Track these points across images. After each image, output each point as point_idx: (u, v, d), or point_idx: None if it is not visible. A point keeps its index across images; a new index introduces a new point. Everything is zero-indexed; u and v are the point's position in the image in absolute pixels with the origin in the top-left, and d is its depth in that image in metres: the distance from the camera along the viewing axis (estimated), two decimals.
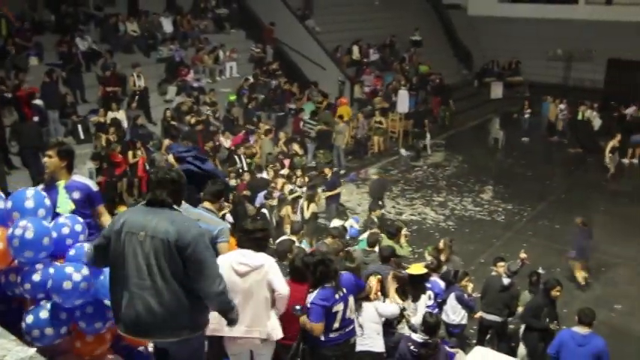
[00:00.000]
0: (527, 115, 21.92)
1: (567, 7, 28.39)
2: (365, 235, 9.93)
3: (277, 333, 4.94)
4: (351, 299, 5.40)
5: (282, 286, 4.86)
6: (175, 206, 3.99)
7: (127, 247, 3.83)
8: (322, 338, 5.26)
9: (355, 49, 23.36)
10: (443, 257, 9.16)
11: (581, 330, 6.86)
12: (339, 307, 5.24)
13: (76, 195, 4.96)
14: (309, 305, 5.21)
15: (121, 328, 3.99)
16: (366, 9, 26.62)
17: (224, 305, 4.05)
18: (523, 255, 8.91)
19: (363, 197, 15.75)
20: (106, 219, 5.10)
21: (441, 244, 9.62)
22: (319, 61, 21.37)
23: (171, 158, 7.20)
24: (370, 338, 6.12)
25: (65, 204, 4.84)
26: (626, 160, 19.30)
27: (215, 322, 4.45)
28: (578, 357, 6.78)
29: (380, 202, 13.82)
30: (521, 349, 8.69)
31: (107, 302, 4.17)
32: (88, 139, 14.51)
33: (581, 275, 11.52)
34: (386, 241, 9.54)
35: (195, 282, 3.84)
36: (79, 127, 14.51)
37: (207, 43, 19.58)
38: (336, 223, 11.30)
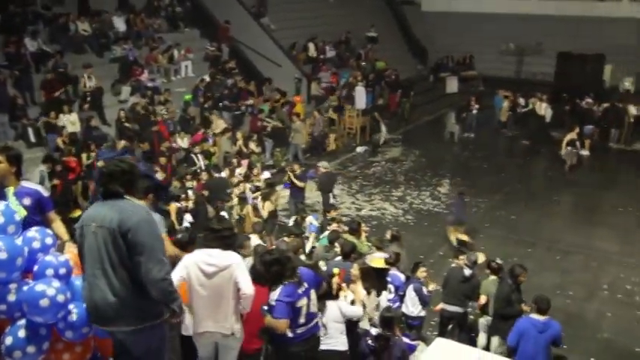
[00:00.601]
0: (474, 111, 22.28)
1: (518, 2, 28.96)
2: (326, 233, 9.95)
3: (241, 333, 5.05)
4: (313, 293, 5.41)
5: (248, 286, 4.88)
6: (128, 196, 4.06)
7: (85, 239, 4.00)
8: (290, 335, 5.26)
9: (311, 46, 23.39)
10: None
11: (540, 317, 7.05)
12: (303, 301, 5.25)
13: (27, 201, 4.84)
14: (272, 303, 5.21)
15: (89, 318, 4.08)
16: (320, 6, 26.67)
17: (165, 294, 4.04)
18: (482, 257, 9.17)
19: (454, 235, 15.67)
20: (57, 225, 5.02)
21: (388, 235, 9.83)
22: (275, 58, 21.33)
23: (101, 164, 7.14)
24: (333, 338, 6.14)
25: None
26: (584, 152, 19.80)
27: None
28: (538, 343, 6.99)
29: (332, 196, 14.01)
30: (481, 340, 8.86)
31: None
32: (40, 142, 14.14)
33: (454, 237, 12.54)
34: (347, 238, 9.63)
35: (137, 267, 3.91)
36: (30, 130, 14.12)
37: (162, 42, 19.32)
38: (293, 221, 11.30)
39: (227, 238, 4.99)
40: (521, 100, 22.61)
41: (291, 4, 25.61)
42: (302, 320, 5.27)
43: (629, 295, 11.18)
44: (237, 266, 4.89)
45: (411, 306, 8.56)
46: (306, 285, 5.30)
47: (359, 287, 6.78)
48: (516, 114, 22.47)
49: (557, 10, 28.16)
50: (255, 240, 9.00)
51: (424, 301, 8.58)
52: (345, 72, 23.30)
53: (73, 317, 4.10)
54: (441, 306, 9.02)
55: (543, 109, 21.73)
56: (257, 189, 13.31)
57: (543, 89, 23.28)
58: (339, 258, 8.11)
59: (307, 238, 10.14)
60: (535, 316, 7.13)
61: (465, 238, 12.37)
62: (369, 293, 7.23)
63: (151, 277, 3.90)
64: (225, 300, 4.88)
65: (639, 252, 12.92)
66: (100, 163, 7.15)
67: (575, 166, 18.34)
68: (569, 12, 27.91)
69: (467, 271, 8.72)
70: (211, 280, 4.84)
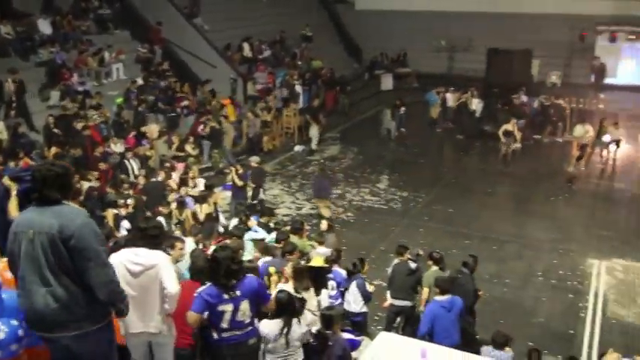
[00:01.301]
0: (401, 112, 22.62)
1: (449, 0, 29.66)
2: (273, 235, 9.90)
3: (171, 330, 5.05)
4: (245, 304, 5.31)
5: (172, 285, 4.87)
6: (65, 201, 3.98)
7: (21, 246, 3.88)
8: (215, 337, 5.24)
9: (246, 46, 23.20)
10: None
11: (444, 297, 7.62)
12: (227, 307, 5.16)
13: None
14: (195, 294, 5.19)
15: (30, 326, 4.01)
16: (254, 6, 26.50)
17: (113, 295, 4.06)
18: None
19: (324, 211, 15.62)
20: None
21: (324, 225, 10.01)
22: (210, 59, 21.06)
23: (6, 180, 6.87)
24: (295, 355, 6.09)
25: None
26: (516, 145, 20.39)
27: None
28: (448, 320, 7.56)
29: (262, 190, 14.22)
30: None
31: None
32: None
33: (326, 212, 13.63)
34: (291, 238, 9.62)
35: (83, 272, 3.87)
36: None
37: (91, 45, 18.74)
38: (236, 222, 11.17)
39: (154, 238, 4.98)
40: (450, 96, 23.06)
41: (224, 5, 25.35)
42: (224, 325, 5.20)
43: (562, 280, 11.61)
44: (163, 265, 4.87)
45: (353, 302, 8.60)
46: (237, 293, 5.23)
47: (288, 286, 6.81)
48: (449, 109, 22.93)
49: (486, 7, 28.95)
50: (190, 244, 8.85)
51: (367, 297, 8.65)
52: (280, 71, 23.25)
53: (1, 336, 3.95)
54: (389, 301, 9.10)
55: (475, 104, 22.28)
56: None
57: (474, 84, 23.86)
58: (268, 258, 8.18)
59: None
60: (440, 298, 7.65)
61: (326, 213, 13.54)
62: (306, 290, 7.20)
63: (99, 280, 3.90)
64: (152, 299, 4.86)
65: (570, 239, 13.47)
66: (5, 180, 6.82)
67: (509, 158, 18.90)
68: (497, 9, 28.72)
69: (412, 265, 8.85)
70: (138, 279, 4.82)
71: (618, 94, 23.96)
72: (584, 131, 18.92)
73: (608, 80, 26.13)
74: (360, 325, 8.80)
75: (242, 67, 22.28)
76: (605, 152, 18.96)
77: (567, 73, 27.13)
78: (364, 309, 8.74)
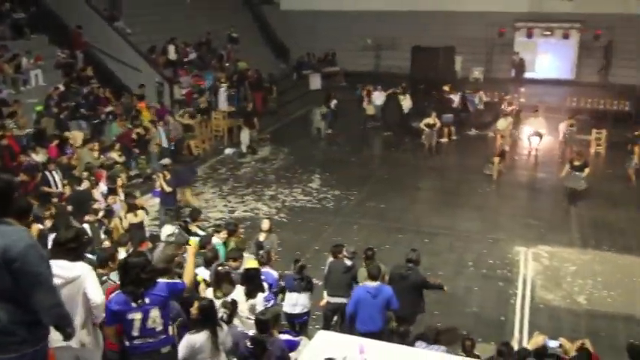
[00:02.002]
0: (333, 105, 22.80)
1: None
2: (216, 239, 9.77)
3: (98, 341, 4.99)
4: (155, 312, 5.21)
5: (96, 295, 4.81)
6: (7, 219, 3.75)
7: None
8: (127, 344, 5.19)
9: (171, 48, 22.75)
10: (262, 238, 9.74)
11: (372, 284, 7.89)
12: (136, 315, 5.09)
13: None
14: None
15: None
16: (178, 7, 26.02)
17: (60, 319, 3.95)
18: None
19: (192, 200, 15.45)
20: None
21: (265, 225, 10.12)
22: (134, 63, 20.56)
23: None
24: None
25: None
26: (444, 139, 20.94)
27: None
28: (373, 306, 7.85)
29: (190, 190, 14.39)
30: None
31: None
32: None
33: (193, 200, 14.29)
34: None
35: (28, 296, 3.70)
36: None
37: (6, 51, 17.90)
38: (167, 229, 10.89)
39: (73, 250, 4.87)
40: (377, 94, 23.36)
41: (146, 7, 24.76)
42: (135, 333, 5.13)
43: (492, 269, 11.95)
44: (85, 276, 4.79)
45: (299, 304, 8.65)
46: (147, 301, 5.12)
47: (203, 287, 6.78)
48: (377, 107, 23.22)
49: (409, 6, 29.56)
50: (122, 253, 8.59)
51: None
52: (208, 74, 22.94)
53: None
54: (325, 300, 9.11)
55: (402, 100, 22.65)
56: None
57: (401, 81, 24.27)
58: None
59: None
60: (368, 284, 7.93)
61: (191, 200, 14.37)
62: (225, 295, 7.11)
63: (45, 304, 3.75)
64: (74, 313, 4.73)
65: (498, 229, 13.89)
66: None
67: (432, 150, 19.34)
68: (420, 7, 29.42)
69: (348, 262, 8.89)
70: (60, 292, 4.62)
71: (537, 87, 24.93)
72: (506, 124, 19.67)
73: (527, 74, 27.17)
74: (301, 325, 8.81)
75: (167, 70, 21.83)
76: (527, 143, 19.73)
77: (489, 69, 28.09)
78: (306, 309, 8.76)
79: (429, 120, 19.45)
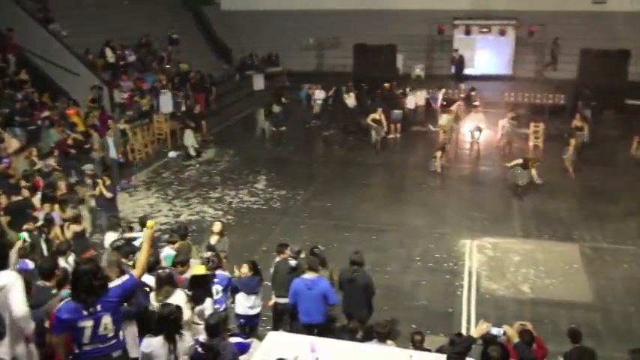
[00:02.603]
0: (284, 102, 22.82)
1: None
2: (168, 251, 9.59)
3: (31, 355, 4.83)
4: (106, 318, 5.09)
5: (18, 307, 4.66)
6: None
7: None
8: (76, 351, 5.05)
9: (108, 51, 22.16)
10: (213, 241, 9.64)
11: (309, 276, 8.08)
12: (87, 323, 4.95)
13: None
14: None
15: None
16: (114, 9, 25.39)
17: None
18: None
19: (137, 205, 15.16)
20: None
21: (217, 227, 10.06)
22: (71, 67, 19.95)
23: None
24: None
25: None
26: (392, 135, 21.17)
27: None
28: (309, 298, 8.06)
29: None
30: None
31: None
32: None
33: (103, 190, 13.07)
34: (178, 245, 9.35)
35: None
36: None
37: None
38: (110, 236, 10.61)
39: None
40: (318, 92, 23.42)
41: (82, 9, 24.04)
42: (86, 341, 5.00)
43: (439, 263, 12.14)
44: (11, 286, 4.64)
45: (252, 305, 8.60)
46: (98, 308, 4.99)
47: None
48: (322, 105, 23.29)
49: (350, 5, 29.79)
50: (61, 262, 8.33)
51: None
52: (148, 76, 22.50)
53: None
54: (274, 300, 9.07)
55: (347, 98, 22.80)
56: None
57: (344, 80, 24.42)
58: None
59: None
60: (305, 276, 8.13)
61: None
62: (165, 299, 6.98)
63: None
64: (5, 322, 4.61)
65: (443, 223, 14.13)
66: None
67: (378, 146, 19.52)
68: (361, 6, 29.69)
69: (292, 262, 8.86)
70: None
71: (476, 83, 25.49)
72: (448, 120, 20.08)
73: (467, 71, 27.75)
74: (252, 327, 8.76)
75: (106, 73, 21.29)
76: (469, 137, 20.20)
77: (430, 66, 28.54)
78: (257, 310, 8.72)
79: (375, 115, 19.66)
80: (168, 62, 24.43)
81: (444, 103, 22.89)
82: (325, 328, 8.41)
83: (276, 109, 22.91)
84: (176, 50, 25.75)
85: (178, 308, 5.92)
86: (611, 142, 20.10)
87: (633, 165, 17.26)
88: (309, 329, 8.31)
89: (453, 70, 27.82)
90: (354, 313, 8.80)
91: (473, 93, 22.37)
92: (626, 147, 17.91)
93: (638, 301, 10.67)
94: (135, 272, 5.55)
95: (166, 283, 6.76)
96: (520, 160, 15.78)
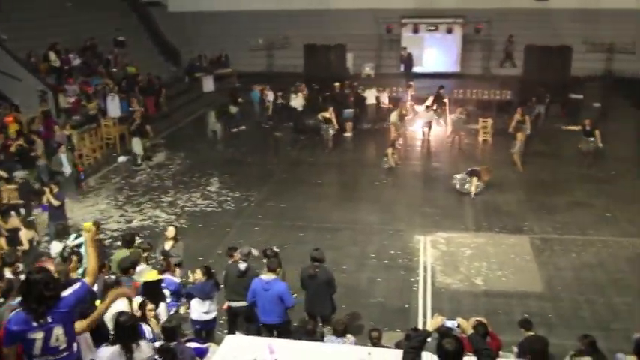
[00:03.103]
0: (238, 107, 22.72)
1: None
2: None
3: None
4: (58, 329, 4.93)
5: None
6: None
7: None
8: None
9: (52, 54, 21.56)
10: (167, 246, 9.55)
11: (267, 277, 8.21)
12: (37, 335, 4.79)
13: None
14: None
15: None
16: (58, 11, 24.72)
17: None
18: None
19: (87, 211, 14.80)
20: None
21: (171, 232, 10.02)
22: (12, 71, 19.31)
23: None
24: None
25: None
26: (347, 134, 21.31)
27: None
28: (265, 298, 8.20)
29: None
30: None
31: None
32: None
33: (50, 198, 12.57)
34: (122, 253, 9.15)
35: None
36: None
37: None
38: (56, 246, 10.32)
39: None
40: (268, 93, 23.35)
41: (23, 12, 23.31)
42: (37, 352, 4.85)
43: (394, 259, 12.25)
44: None
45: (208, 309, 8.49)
46: (49, 319, 4.84)
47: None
48: (269, 106, 23.18)
49: (299, 5, 29.79)
50: (7, 273, 8.08)
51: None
52: (95, 79, 21.97)
53: None
54: (227, 303, 9.00)
55: (295, 99, 22.79)
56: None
57: (295, 80, 24.40)
58: None
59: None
60: (264, 276, 8.26)
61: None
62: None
63: None
64: None
65: (396, 219, 14.26)
66: None
67: (330, 144, 19.56)
68: (310, 6, 29.73)
69: (242, 265, 8.75)
70: None
71: (426, 81, 25.87)
72: (398, 117, 20.31)
73: (416, 69, 28.08)
74: (208, 331, 8.65)
75: (50, 77, 20.69)
76: (420, 134, 20.50)
77: (379, 64, 28.79)
78: (212, 315, 8.63)
79: (326, 114, 19.68)
80: (115, 65, 23.92)
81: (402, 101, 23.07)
82: (284, 329, 8.39)
83: (232, 109, 22.78)
84: (123, 53, 25.25)
85: (132, 316, 5.80)
86: (557, 135, 20.66)
87: (579, 157, 17.77)
88: (269, 330, 8.34)
89: (402, 68, 28.11)
90: (317, 310, 8.86)
91: (441, 91, 22.67)
92: (572, 139, 18.40)
93: (586, 289, 11.00)
94: (87, 279, 5.39)
95: (112, 288, 6.63)
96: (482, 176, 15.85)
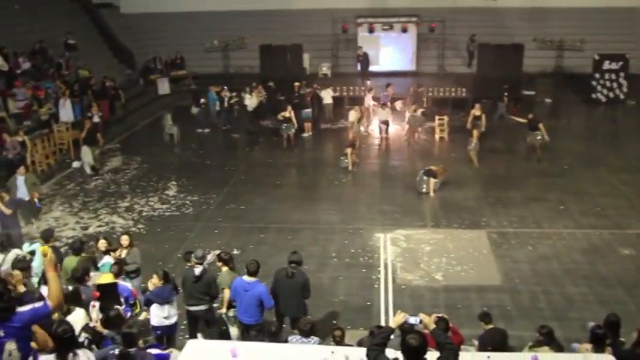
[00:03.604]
0: (200, 108, 22.52)
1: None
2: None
3: None
4: (11, 345, 4.80)
5: None
6: None
7: None
8: None
9: None
10: (123, 254, 9.36)
11: (248, 279, 8.33)
12: None
13: None
14: None
15: None
16: (4, 14, 24.00)
17: None
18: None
19: (43, 219, 14.41)
20: None
21: (125, 241, 9.75)
22: None
23: None
24: None
25: None
26: (306, 134, 21.37)
27: None
28: (246, 299, 8.35)
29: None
30: (234, 331, 8.96)
31: None
32: None
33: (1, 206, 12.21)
34: (71, 261, 8.95)
35: None
36: None
37: None
38: (10, 255, 10.02)
39: None
40: (227, 94, 23.20)
41: None
42: None
43: (355, 258, 12.30)
44: None
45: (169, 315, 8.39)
46: (1, 333, 4.71)
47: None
48: (223, 107, 23.03)
49: (254, 5, 29.70)
50: None
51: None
52: (47, 83, 21.40)
53: None
54: (186, 308, 8.89)
55: (247, 99, 22.69)
56: None
57: (251, 81, 24.29)
58: None
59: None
60: (245, 278, 8.37)
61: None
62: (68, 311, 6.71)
63: None
64: None
65: (356, 218, 14.33)
66: None
67: (293, 147, 19.54)
68: (265, 6, 29.66)
69: (197, 270, 8.61)
70: None
71: (382, 79, 26.06)
72: (356, 116, 20.43)
73: (372, 68, 28.28)
74: (169, 336, 8.52)
75: None
76: (377, 132, 20.69)
77: (336, 64, 28.91)
78: (171, 320, 8.48)
79: (285, 113, 19.61)
80: (66, 69, 23.38)
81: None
82: (259, 330, 8.48)
83: (194, 110, 22.51)
84: (74, 56, 24.69)
85: (67, 327, 5.65)
86: (512, 131, 21.06)
87: (530, 150, 18.16)
88: (247, 330, 8.52)
89: (358, 67, 28.26)
90: (289, 312, 8.88)
91: (420, 89, 22.97)
92: (525, 135, 18.77)
93: (543, 280, 11.25)
94: (50, 303, 5.20)
95: (71, 300, 6.49)
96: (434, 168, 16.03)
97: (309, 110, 21.75)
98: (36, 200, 13.83)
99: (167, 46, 29.11)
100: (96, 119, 19.55)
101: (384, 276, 11.51)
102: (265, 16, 29.69)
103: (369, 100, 22.50)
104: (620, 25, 28.25)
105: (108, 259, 9.23)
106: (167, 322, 8.44)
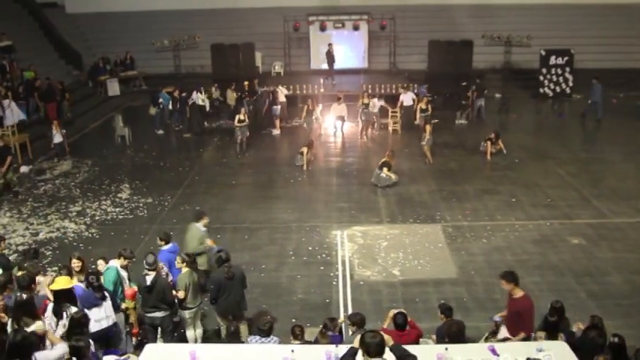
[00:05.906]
0: (158, 109, 22.19)
1: None
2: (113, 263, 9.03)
3: None
4: None
5: None
6: None
7: None
8: None
9: None
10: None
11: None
12: None
13: None
14: None
15: None
16: None
17: None
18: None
19: None
20: None
21: (76, 264, 8.93)
22: None
23: None
24: None
25: None
26: (275, 131, 21.43)
27: None
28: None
29: None
30: (190, 333, 8.88)
31: None
32: None
33: None
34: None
35: None
36: None
37: None
38: None
39: None
40: (177, 94, 22.92)
41: None
42: None
43: (312, 255, 12.31)
44: None
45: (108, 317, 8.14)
46: None
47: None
48: (175, 109, 22.75)
49: (204, 4, 29.41)
50: None
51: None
52: None
53: None
54: (143, 314, 8.75)
55: (200, 99, 22.47)
56: None
57: (204, 80, 24.05)
58: None
59: None
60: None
61: None
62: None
63: None
64: None
65: (313, 216, 14.36)
66: None
67: (244, 146, 19.40)
68: (215, 5, 29.40)
69: (148, 279, 8.35)
70: None
71: (335, 77, 26.14)
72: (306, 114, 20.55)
73: (323, 66, 28.30)
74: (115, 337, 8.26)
75: None
76: (332, 129, 20.81)
77: (289, 62, 28.88)
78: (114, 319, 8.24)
79: (240, 116, 19.45)
80: (10, 72, 22.63)
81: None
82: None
83: (152, 111, 22.15)
84: (17, 58, 23.91)
85: (24, 336, 5.50)
86: (463, 127, 21.44)
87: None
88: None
89: (326, 65, 28.10)
90: (234, 310, 8.93)
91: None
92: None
93: (497, 272, 11.39)
94: None
95: (23, 310, 6.32)
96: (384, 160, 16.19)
97: (278, 107, 21.73)
98: None
99: (116, 46, 28.58)
100: (58, 139, 18.89)
101: (342, 273, 11.55)
102: (216, 14, 29.46)
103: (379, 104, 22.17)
104: (565, 20, 29.08)
105: (113, 263, 9.10)
106: (102, 325, 7.91)
